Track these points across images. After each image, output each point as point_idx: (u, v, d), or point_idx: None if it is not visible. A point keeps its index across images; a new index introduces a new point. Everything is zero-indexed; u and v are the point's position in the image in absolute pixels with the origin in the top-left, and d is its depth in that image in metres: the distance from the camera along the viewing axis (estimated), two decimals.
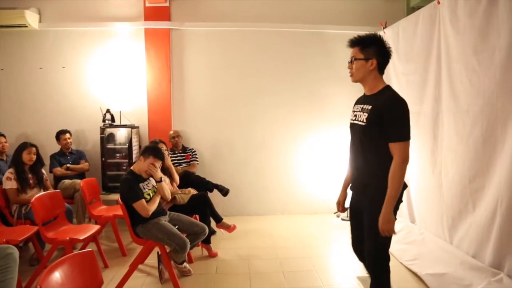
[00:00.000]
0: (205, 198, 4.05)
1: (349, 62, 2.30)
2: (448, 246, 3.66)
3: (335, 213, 5.43)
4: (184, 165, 5.04)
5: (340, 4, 5.54)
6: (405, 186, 2.23)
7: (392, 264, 2.35)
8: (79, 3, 5.32)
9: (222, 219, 4.13)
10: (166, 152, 4.12)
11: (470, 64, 3.32)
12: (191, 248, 3.32)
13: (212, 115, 5.54)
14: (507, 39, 2.90)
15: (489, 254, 3.11)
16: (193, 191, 4.17)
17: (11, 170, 3.85)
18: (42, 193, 3.64)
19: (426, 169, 4.06)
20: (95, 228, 3.55)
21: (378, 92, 2.23)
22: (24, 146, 3.90)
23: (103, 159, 5.06)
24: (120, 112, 5.23)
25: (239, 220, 4.87)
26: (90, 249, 2.05)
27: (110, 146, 5.14)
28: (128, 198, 3.16)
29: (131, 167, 3.36)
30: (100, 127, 5.06)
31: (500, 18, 2.95)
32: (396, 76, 4.67)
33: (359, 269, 3.54)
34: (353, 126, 2.39)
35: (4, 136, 4.54)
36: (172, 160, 4.61)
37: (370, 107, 2.20)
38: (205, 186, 4.47)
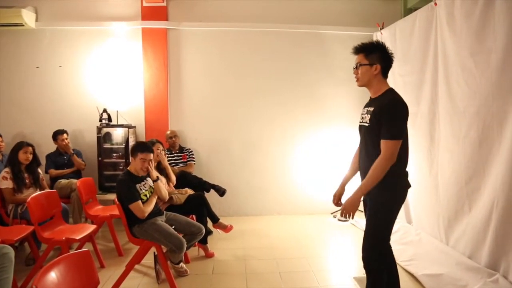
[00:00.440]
0: (202, 198, 4.04)
1: (354, 68, 2.41)
2: (445, 246, 3.68)
3: (332, 213, 5.45)
4: (181, 165, 5.03)
5: (338, 5, 5.55)
6: (408, 185, 2.36)
7: None
8: (76, 2, 5.30)
9: (218, 219, 4.12)
10: (163, 152, 4.12)
11: (467, 66, 3.33)
12: (187, 248, 3.31)
13: (209, 115, 5.54)
14: (503, 40, 2.91)
15: (485, 255, 3.13)
16: (190, 191, 4.16)
17: (7, 169, 3.83)
18: (38, 192, 3.62)
19: (423, 170, 4.08)
20: (91, 228, 3.54)
21: (381, 95, 2.35)
22: (21, 145, 3.88)
23: (100, 158, 5.05)
24: (117, 111, 5.21)
25: (236, 220, 4.86)
26: (86, 249, 2.04)
27: (106, 145, 5.12)
28: (125, 199, 3.15)
29: (128, 168, 3.35)
30: (97, 126, 5.05)
31: (497, 19, 2.97)
32: (393, 77, 4.67)
33: (355, 269, 3.56)
34: (360, 128, 2.50)
35: (1, 136, 4.51)
36: (169, 160, 4.60)
37: (373, 108, 2.32)
38: (202, 186, 4.47)
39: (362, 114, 2.48)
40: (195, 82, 5.50)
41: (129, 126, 5.13)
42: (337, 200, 2.64)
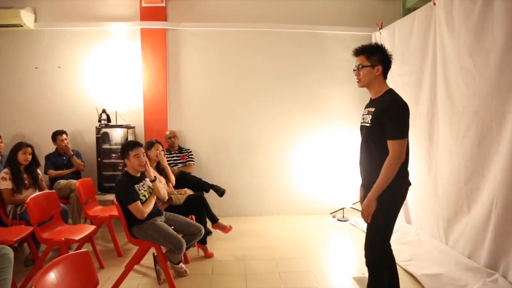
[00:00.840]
0: (201, 199, 4.03)
1: (355, 70, 2.44)
2: (444, 246, 3.68)
3: (331, 213, 5.45)
4: (180, 165, 5.03)
5: (337, 5, 5.56)
6: (409, 184, 2.39)
7: None
8: (75, 3, 5.30)
9: (218, 219, 4.12)
10: (162, 153, 4.12)
11: (466, 65, 3.34)
12: (187, 249, 3.31)
13: (209, 115, 5.53)
14: (502, 40, 2.92)
15: (484, 255, 3.14)
16: (189, 192, 4.16)
17: (6, 170, 3.83)
18: (37, 193, 3.62)
19: (422, 169, 4.08)
20: (90, 228, 3.54)
21: (382, 95, 2.38)
22: (20, 146, 3.88)
23: (99, 159, 5.05)
24: (116, 112, 5.21)
25: (235, 221, 4.87)
26: (86, 249, 2.04)
27: (106, 146, 5.12)
28: (123, 200, 3.14)
29: (126, 168, 3.33)
30: (96, 127, 5.05)
31: (495, 19, 2.98)
32: (392, 77, 4.66)
33: (355, 269, 3.56)
34: (361, 128, 2.52)
35: (0, 136, 4.51)
36: (168, 161, 4.60)
37: (374, 109, 2.34)
38: (201, 186, 4.46)
39: (363, 114, 2.50)
40: (194, 83, 5.50)
41: (128, 127, 5.13)
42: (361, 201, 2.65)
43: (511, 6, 2.83)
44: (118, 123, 5.18)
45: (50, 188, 4.46)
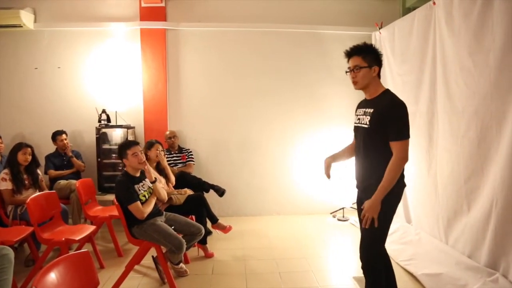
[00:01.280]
0: (201, 199, 4.04)
1: (351, 71, 2.38)
2: (444, 246, 3.68)
3: (331, 213, 5.45)
4: (180, 165, 5.03)
5: (337, 5, 5.56)
6: (404, 185, 2.35)
7: None
8: (75, 3, 5.30)
9: (218, 219, 4.12)
10: (162, 153, 4.12)
11: (465, 65, 3.34)
12: (187, 249, 3.31)
13: (208, 115, 5.53)
14: (501, 40, 2.92)
15: (484, 254, 3.14)
16: (189, 192, 4.16)
17: (6, 170, 3.83)
18: (37, 193, 3.62)
19: (422, 169, 4.08)
20: (90, 228, 3.54)
21: (379, 96, 2.35)
22: (19, 146, 3.88)
23: (99, 159, 5.05)
24: (116, 112, 5.21)
25: (236, 221, 4.87)
26: (86, 249, 2.04)
27: (105, 146, 5.13)
28: (123, 200, 3.14)
29: (125, 169, 3.33)
30: (96, 127, 5.05)
31: (495, 19, 2.98)
32: (392, 77, 4.68)
33: (355, 269, 3.55)
34: (357, 129, 2.48)
35: (0, 137, 4.51)
36: (168, 161, 4.59)
37: (372, 110, 2.31)
38: (201, 186, 4.46)
39: (358, 115, 2.46)
40: (194, 83, 5.50)
41: (128, 127, 5.13)
42: (326, 167, 2.68)
43: (511, 6, 2.83)
44: (118, 123, 5.18)
45: (50, 188, 4.47)
